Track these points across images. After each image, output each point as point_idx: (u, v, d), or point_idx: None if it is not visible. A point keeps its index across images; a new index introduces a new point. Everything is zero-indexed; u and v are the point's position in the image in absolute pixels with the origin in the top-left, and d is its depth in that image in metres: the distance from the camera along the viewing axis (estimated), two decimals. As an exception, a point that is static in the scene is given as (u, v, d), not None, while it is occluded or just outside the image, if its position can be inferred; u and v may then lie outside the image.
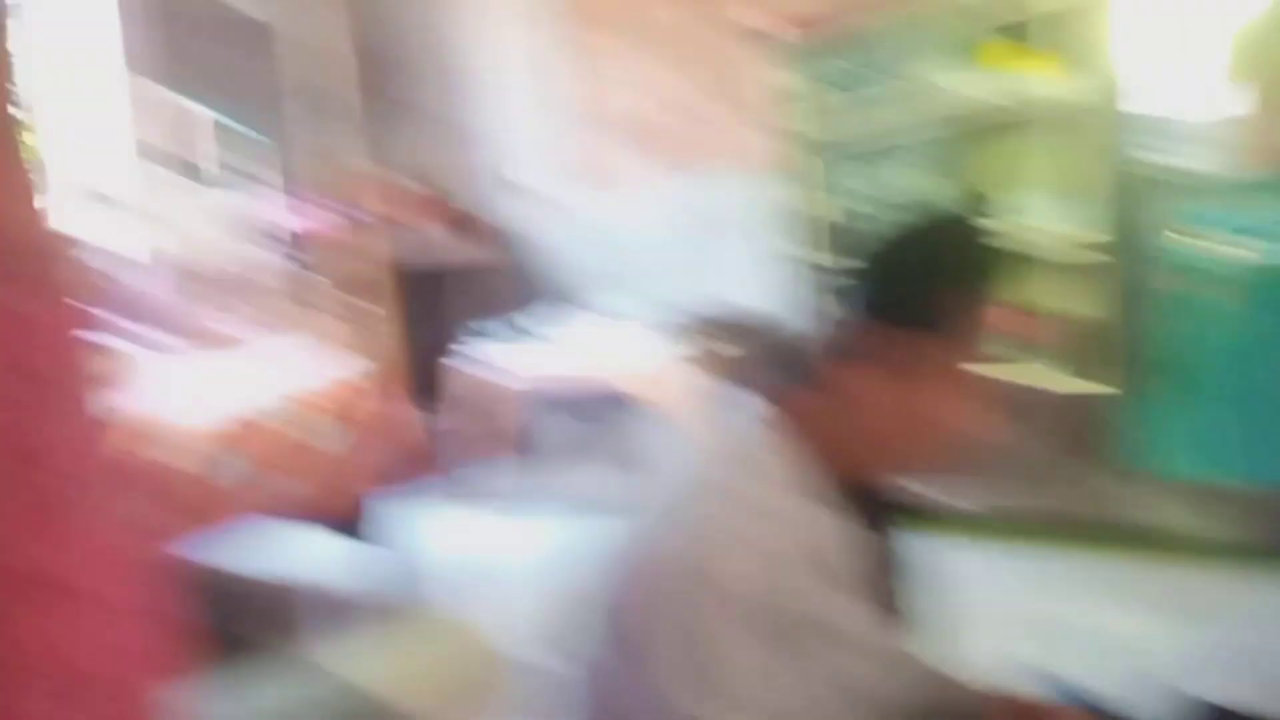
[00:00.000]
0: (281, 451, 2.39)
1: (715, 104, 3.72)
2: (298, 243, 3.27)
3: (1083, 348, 2.49)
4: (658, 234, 3.89)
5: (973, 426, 0.97)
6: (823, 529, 0.95)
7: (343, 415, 2.51)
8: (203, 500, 2.22)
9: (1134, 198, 2.33)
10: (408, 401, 2.72)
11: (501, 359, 3.57)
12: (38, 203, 0.76)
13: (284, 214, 3.52)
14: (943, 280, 0.94)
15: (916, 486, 1.09)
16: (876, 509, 1.06)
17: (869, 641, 0.98)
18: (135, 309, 2.66)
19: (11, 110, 0.75)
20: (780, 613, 0.87)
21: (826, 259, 2.88)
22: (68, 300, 0.78)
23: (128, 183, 3.28)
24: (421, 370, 3.17)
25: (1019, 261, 2.49)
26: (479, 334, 3.76)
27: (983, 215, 2.46)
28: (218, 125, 3.42)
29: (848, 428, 0.96)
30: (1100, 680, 1.22)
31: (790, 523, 0.91)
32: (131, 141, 3.32)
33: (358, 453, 2.53)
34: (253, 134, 3.55)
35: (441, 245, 4.16)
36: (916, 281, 0.94)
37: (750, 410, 0.99)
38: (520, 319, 3.75)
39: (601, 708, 0.94)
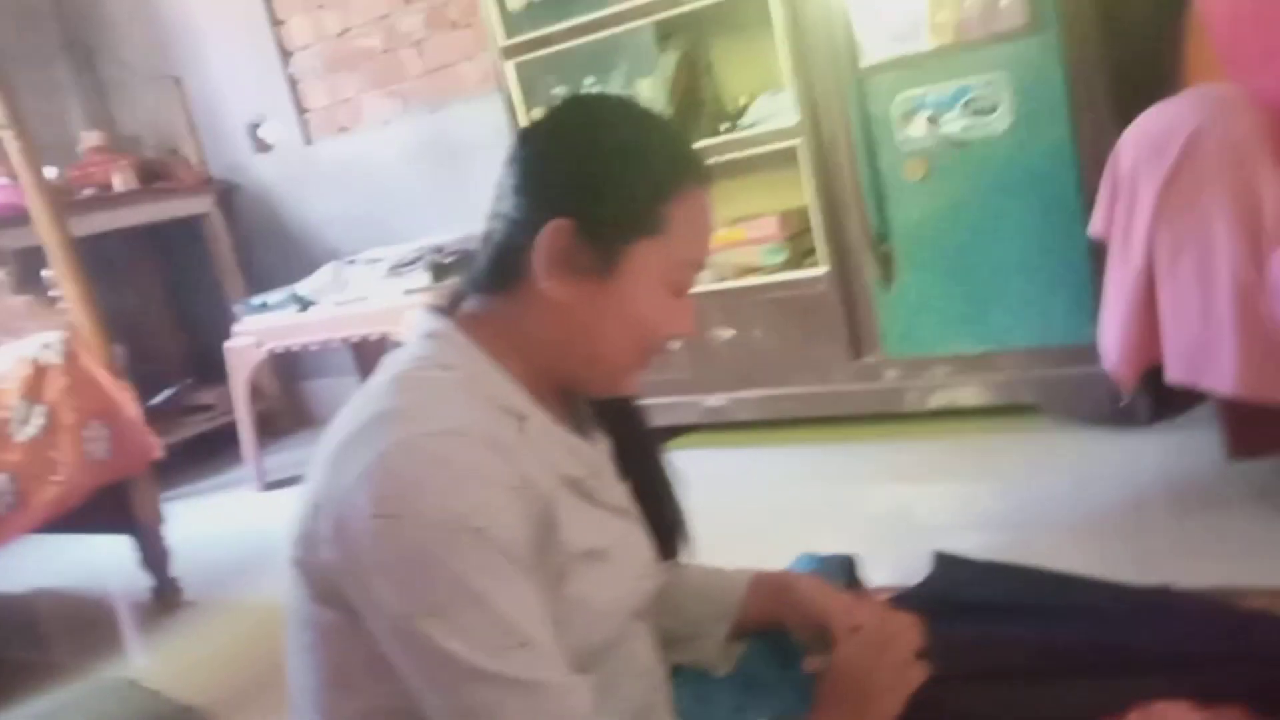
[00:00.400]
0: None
1: (434, 30, 3.62)
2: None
3: (812, 239, 2.53)
4: (400, 171, 3.80)
5: (684, 328, 0.93)
6: (557, 447, 0.89)
7: (37, 396, 2.29)
8: None
9: (837, 84, 2.37)
10: (114, 375, 2.49)
11: (264, 323, 3.37)
12: None
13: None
14: (632, 174, 0.87)
15: (650, 394, 1.06)
16: (618, 420, 1.02)
17: (631, 556, 0.95)
18: None
19: None
20: (528, 540, 0.79)
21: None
22: None
23: None
24: (140, 338, 2.95)
25: (730, 159, 2.52)
26: (239, 299, 3.57)
27: (692, 114, 2.42)
28: None
29: (557, 338, 0.89)
30: (875, 554, 1.26)
31: (516, 446, 0.82)
32: None
33: (63, 435, 2.31)
34: None
35: (145, 201, 3.91)
36: (600, 176, 0.86)
37: (451, 335, 0.89)
38: (277, 281, 3.57)
39: (334, 667, 0.85)
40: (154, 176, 4.03)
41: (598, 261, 0.86)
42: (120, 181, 3.85)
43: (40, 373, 2.32)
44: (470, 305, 0.92)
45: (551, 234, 0.85)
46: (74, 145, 3.96)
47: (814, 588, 1.08)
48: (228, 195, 4.24)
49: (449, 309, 0.93)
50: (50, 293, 2.57)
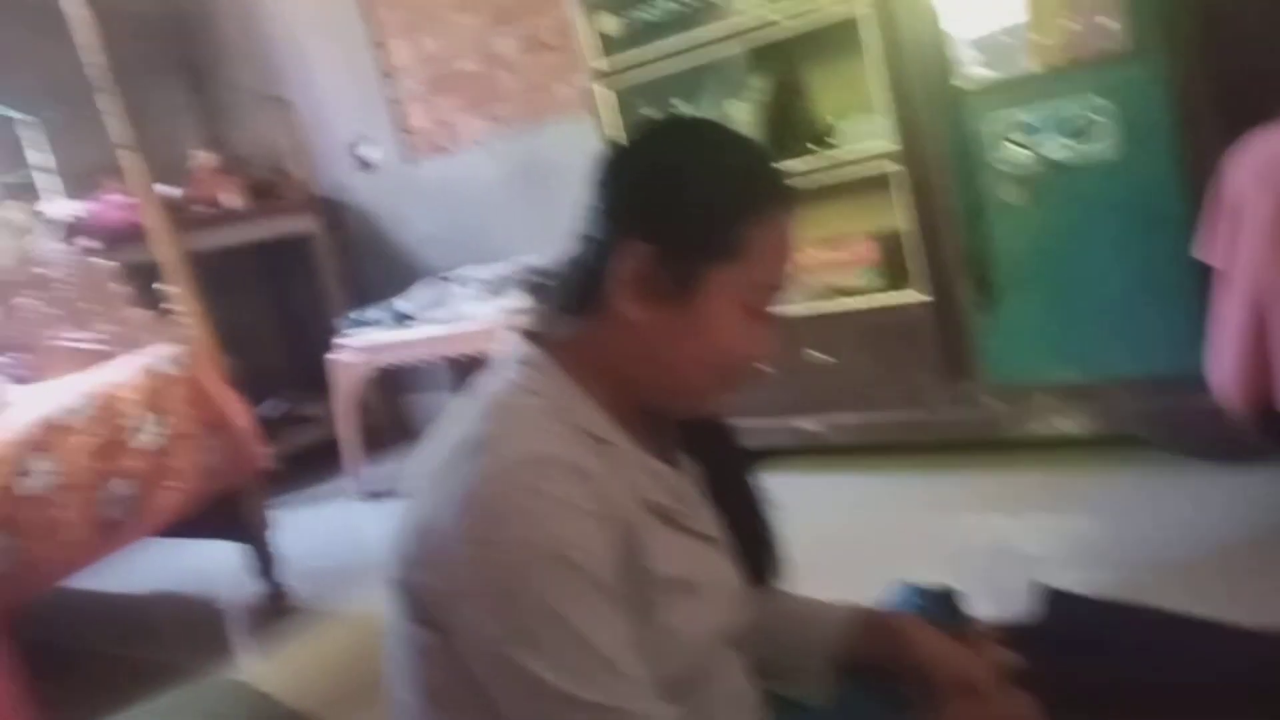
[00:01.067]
0: (94, 450, 2.28)
1: (528, 53, 3.69)
2: (90, 231, 3.10)
3: (908, 263, 2.51)
4: (496, 191, 3.87)
5: (765, 352, 0.92)
6: (643, 473, 0.89)
7: (156, 406, 2.41)
8: (19, 513, 2.12)
9: (932, 107, 2.35)
10: (227, 387, 2.61)
11: (366, 338, 3.48)
12: None
13: (72, 203, 3.35)
14: (712, 198, 0.87)
15: (746, 416, 1.05)
16: (708, 443, 1.02)
17: (719, 584, 0.94)
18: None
19: None
20: (616, 569, 0.80)
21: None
22: None
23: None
24: (247, 351, 3.05)
25: (823, 181, 2.52)
26: (342, 314, 3.68)
27: (783, 136, 2.38)
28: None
29: (639, 361, 0.89)
30: (972, 586, 1.20)
31: (603, 474, 0.83)
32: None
33: (180, 444, 2.43)
34: (21, 116, 3.36)
35: (254, 220, 4.06)
36: (679, 199, 0.87)
37: (537, 360, 0.90)
38: (378, 297, 3.67)
39: (431, 686, 0.86)
40: (262, 195, 4.18)
41: (676, 285, 0.87)
42: (230, 200, 4.00)
43: (160, 384, 2.44)
44: (556, 327, 0.93)
45: (630, 257, 0.86)
46: (186, 164, 4.13)
47: (927, 637, 1.05)
48: (331, 213, 4.36)
49: (537, 332, 0.94)
50: (166, 306, 2.69)
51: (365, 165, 4.30)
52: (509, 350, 0.94)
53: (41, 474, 2.18)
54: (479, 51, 3.83)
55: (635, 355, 0.90)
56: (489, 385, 0.91)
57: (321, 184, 4.39)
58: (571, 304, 0.92)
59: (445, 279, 3.56)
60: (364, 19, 4.05)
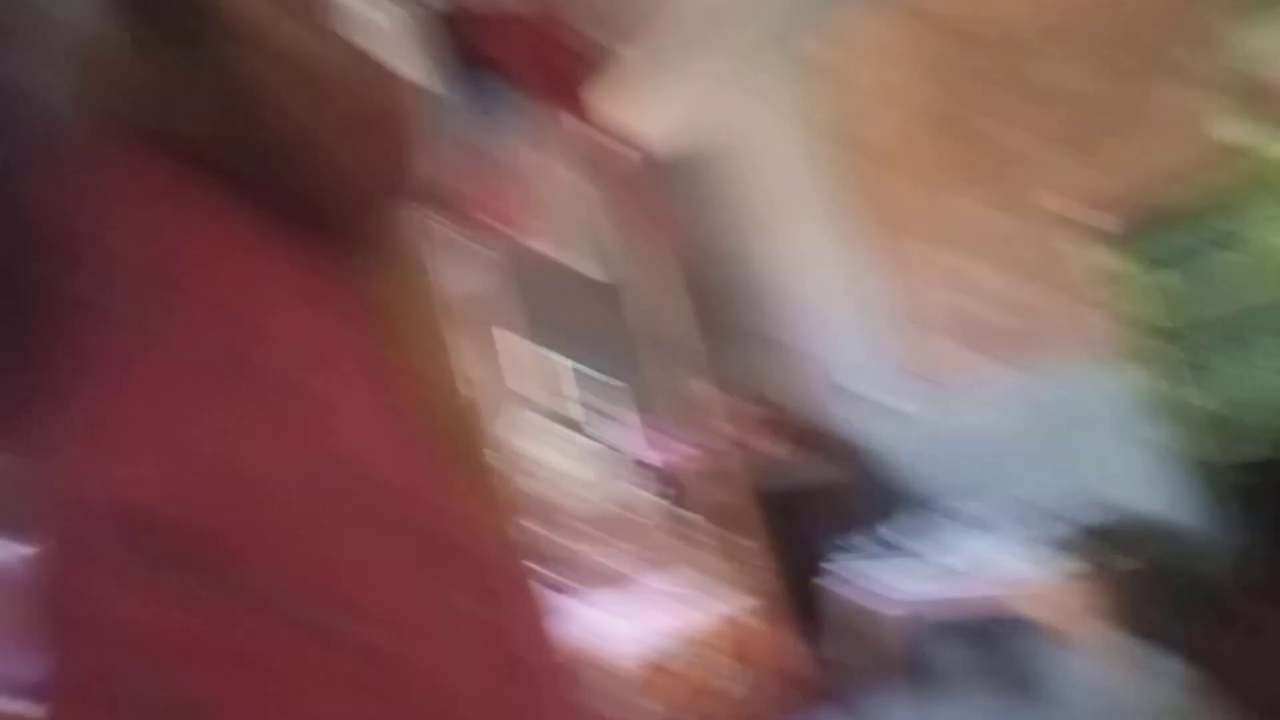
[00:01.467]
0: (689, 695, 2.53)
1: (1042, 293, 3.73)
2: (663, 478, 3.51)
3: None
4: (1008, 432, 3.89)
5: None
6: None
7: (739, 655, 2.63)
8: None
9: None
10: (792, 636, 2.81)
11: (875, 579, 3.59)
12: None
13: (648, 450, 3.81)
14: None
15: None
16: None
17: None
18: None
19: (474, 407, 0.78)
20: None
21: (1209, 454, 2.54)
22: (538, 588, 0.79)
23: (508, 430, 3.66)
24: (793, 596, 3.26)
25: None
26: (847, 552, 3.82)
27: None
28: (578, 374, 3.81)
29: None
30: None
31: None
32: (508, 391, 3.72)
33: (757, 694, 2.63)
34: (608, 379, 3.94)
35: (794, 465, 4.35)
36: None
37: (1168, 668, 0.93)
38: (886, 534, 3.82)
39: None
40: (786, 437, 4.48)
41: None
42: (765, 445, 4.32)
43: (742, 633, 2.67)
44: (1191, 632, 0.93)
45: (1248, 563, 0.86)
46: (701, 412, 4.53)
47: None
48: (827, 448, 4.57)
49: (1167, 631, 0.95)
50: (733, 552, 2.97)
51: (860, 399, 4.48)
52: (1150, 657, 0.95)
53: (650, 714, 2.45)
54: (981, 289, 3.94)
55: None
56: (1141, 699, 0.93)
57: (820, 420, 4.63)
58: (1187, 603, 0.92)
59: (946, 519, 3.59)
60: (860, 265, 4.34)
